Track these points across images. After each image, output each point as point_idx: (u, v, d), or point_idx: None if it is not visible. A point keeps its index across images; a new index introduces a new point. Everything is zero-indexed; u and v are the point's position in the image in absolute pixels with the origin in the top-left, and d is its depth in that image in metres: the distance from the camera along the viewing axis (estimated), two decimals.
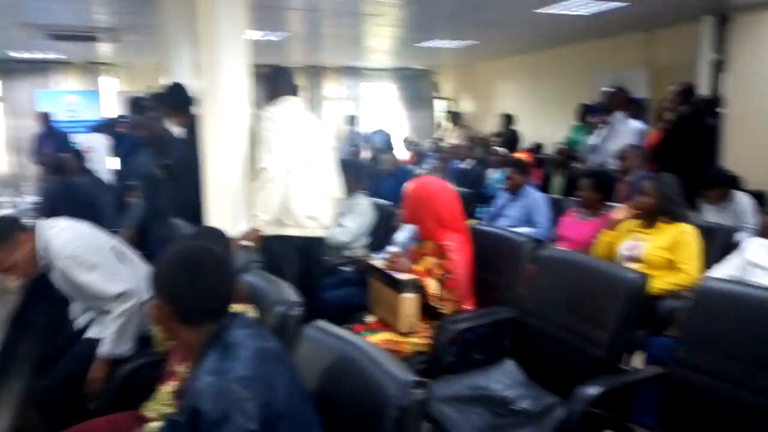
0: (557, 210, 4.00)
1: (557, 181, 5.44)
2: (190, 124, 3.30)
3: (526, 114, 8.74)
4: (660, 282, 2.77)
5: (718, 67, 4.87)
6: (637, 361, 2.50)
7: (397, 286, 2.50)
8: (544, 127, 7.85)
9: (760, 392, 1.62)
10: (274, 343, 1.30)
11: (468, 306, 2.64)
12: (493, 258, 2.72)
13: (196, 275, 1.25)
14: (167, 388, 1.81)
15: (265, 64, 3.82)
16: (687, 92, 4.94)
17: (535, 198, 4.03)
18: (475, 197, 5.68)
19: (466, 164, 6.62)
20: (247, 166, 3.04)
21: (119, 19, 5.58)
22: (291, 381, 1.23)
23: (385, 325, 2.60)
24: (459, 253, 2.60)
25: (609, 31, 6.70)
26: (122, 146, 5.20)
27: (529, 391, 2.21)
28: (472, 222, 4.79)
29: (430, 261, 2.64)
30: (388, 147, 8.36)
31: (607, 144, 4.71)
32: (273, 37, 6.78)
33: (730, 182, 4.04)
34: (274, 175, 2.82)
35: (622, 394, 2.01)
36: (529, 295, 2.42)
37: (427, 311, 2.56)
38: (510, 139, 7.92)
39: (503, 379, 2.29)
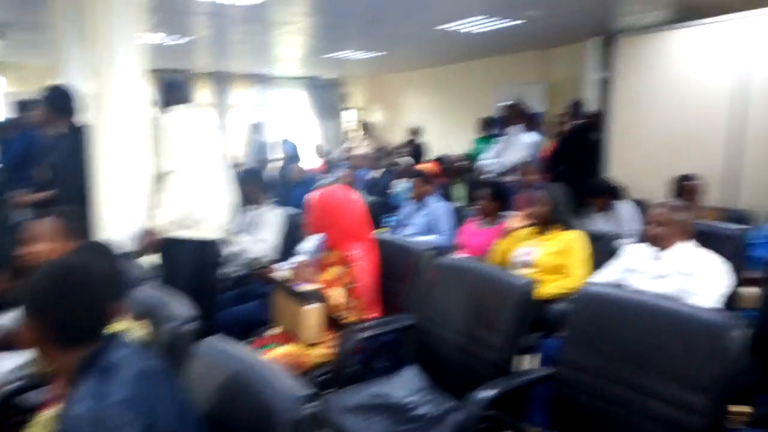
0: (460, 219, 4.13)
1: (459, 191, 5.62)
2: (72, 127, 3.17)
3: (433, 125, 8.99)
4: (551, 286, 2.94)
5: (605, 84, 5.26)
6: (535, 362, 2.64)
7: (300, 297, 2.49)
8: (450, 138, 8.11)
9: (636, 388, 1.75)
10: (156, 362, 1.24)
11: (373, 314, 2.67)
12: (396, 266, 2.76)
13: (68, 294, 1.17)
14: (47, 413, 1.68)
15: (169, 68, 3.68)
16: (576, 107, 5.31)
17: (438, 207, 4.14)
18: (383, 206, 5.77)
19: (375, 174, 6.69)
20: (141, 171, 2.95)
21: (5, 15, 5.17)
22: (176, 402, 1.19)
23: (290, 337, 2.57)
24: (364, 262, 2.62)
25: (508, 48, 7.05)
26: (9, 151, 4.81)
27: (431, 396, 2.27)
28: (379, 231, 4.89)
29: (335, 270, 2.64)
30: (297, 156, 8.29)
31: (504, 156, 4.93)
32: (176, 41, 6.55)
33: (614, 192, 4.38)
34: (180, 177, 2.82)
35: (516, 395, 2.10)
36: (430, 302, 2.48)
37: (333, 321, 2.57)
38: (416, 149, 8.11)
39: (406, 386, 2.34)
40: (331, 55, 7.73)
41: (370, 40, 6.72)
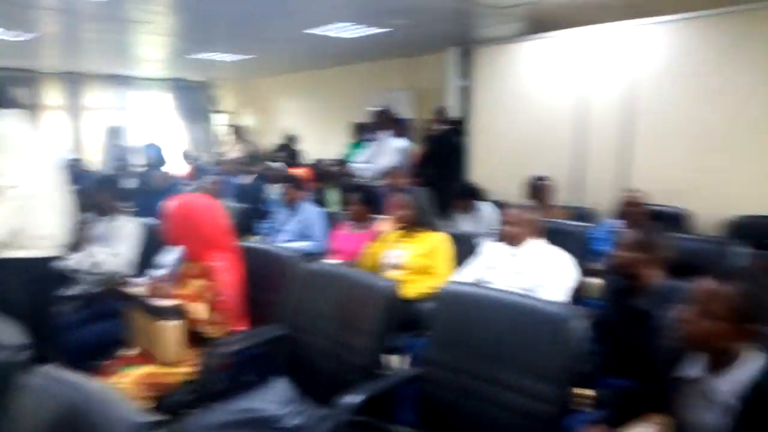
0: (333, 223, 4.13)
1: (333, 196, 5.63)
2: None
3: (307, 129, 8.95)
4: (420, 286, 3.02)
5: (466, 91, 5.53)
6: (406, 362, 2.69)
7: (158, 313, 2.34)
8: (325, 142, 8.12)
9: (492, 382, 1.84)
10: None
11: (241, 327, 2.58)
12: (264, 275, 2.69)
13: None
14: None
15: (9, 67, 3.29)
16: (440, 114, 5.53)
17: (311, 213, 4.11)
18: (256, 213, 5.62)
19: (245, 179, 6.51)
20: None
21: None
22: None
23: (148, 357, 2.40)
24: (228, 273, 2.52)
25: (377, 54, 7.19)
26: None
27: (301, 406, 2.23)
28: (252, 238, 4.75)
29: (197, 283, 2.51)
30: (162, 161, 7.84)
31: (375, 160, 5.02)
32: (17, 37, 5.91)
33: (476, 194, 4.62)
34: (20, 191, 2.50)
35: (385, 397, 2.12)
36: (299, 310, 2.44)
37: (196, 337, 2.44)
38: (291, 154, 8.02)
39: (275, 398, 2.28)
40: (196, 56, 7.41)
41: (236, 42, 6.53)
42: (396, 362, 2.94)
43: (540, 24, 5.00)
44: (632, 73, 4.32)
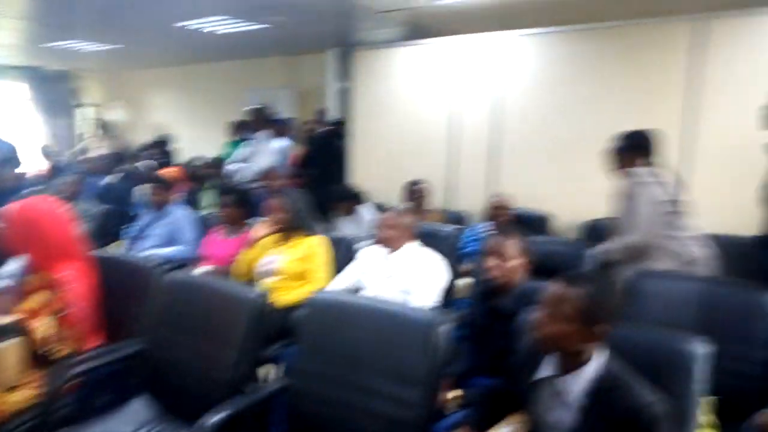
0: (207, 227, 3.92)
1: (208, 198, 5.38)
2: None
3: (182, 126, 8.51)
4: (297, 293, 2.94)
5: (346, 93, 5.53)
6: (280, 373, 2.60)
7: None
8: (201, 141, 7.75)
9: (361, 390, 1.83)
10: None
11: (94, 343, 2.36)
12: (122, 286, 2.49)
13: None
14: None
15: None
16: (321, 115, 5.49)
17: (180, 216, 3.88)
18: (122, 216, 5.22)
19: (111, 179, 6.03)
20: None
21: None
22: None
23: None
24: (77, 284, 2.29)
25: (257, 51, 6.99)
26: None
27: (161, 426, 2.09)
28: (117, 243, 4.40)
29: (41, 297, 2.26)
30: (12, 158, 7.04)
31: (252, 161, 4.86)
32: None
33: (357, 197, 4.63)
34: None
35: (254, 411, 2.03)
36: (161, 323, 2.27)
37: (41, 357, 2.19)
38: (163, 153, 7.57)
39: (133, 419, 2.13)
40: (54, 44, 6.75)
41: (101, 31, 6.02)
42: (270, 373, 2.87)
43: (419, 30, 5.11)
44: (501, 82, 4.54)
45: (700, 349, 1.61)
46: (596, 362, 1.47)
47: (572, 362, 1.48)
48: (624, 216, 2.85)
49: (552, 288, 1.49)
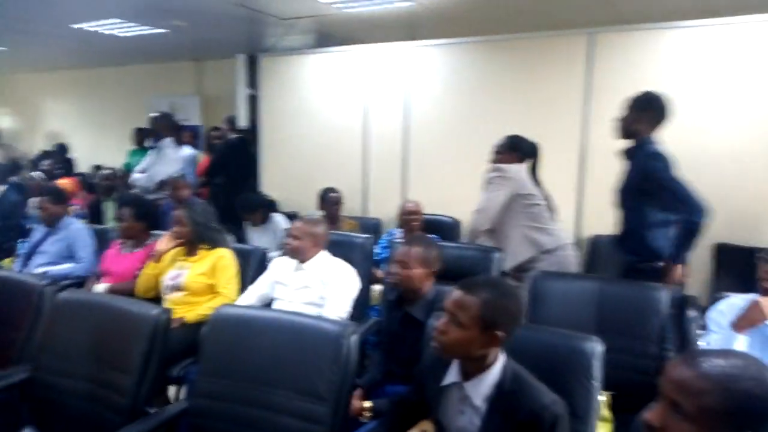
0: (106, 242, 3.69)
1: (110, 210, 5.08)
2: None
3: (83, 135, 8.00)
4: (204, 308, 2.83)
5: (254, 100, 5.40)
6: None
7: None
8: (103, 149, 7.31)
9: (267, 407, 1.77)
10: None
11: None
12: (9, 307, 2.30)
13: None
14: None
15: None
16: (231, 122, 5.33)
17: (75, 230, 3.62)
18: (15, 230, 4.83)
19: (1, 190, 5.56)
20: None
21: None
22: None
23: None
24: None
25: (161, 56, 6.70)
26: None
27: None
28: (9, 260, 4.04)
29: None
30: None
31: (155, 170, 4.64)
32: None
33: (269, 206, 4.52)
34: None
35: None
36: (49, 348, 2.10)
37: None
38: (61, 162, 7.08)
39: None
40: None
41: None
42: (176, 394, 2.73)
43: (327, 38, 5.09)
44: (409, 90, 4.60)
45: (596, 347, 1.68)
46: (498, 366, 1.50)
47: (475, 367, 1.50)
48: (481, 204, 3.12)
49: (451, 294, 1.51)
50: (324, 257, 2.78)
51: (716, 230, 3.63)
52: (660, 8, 4.04)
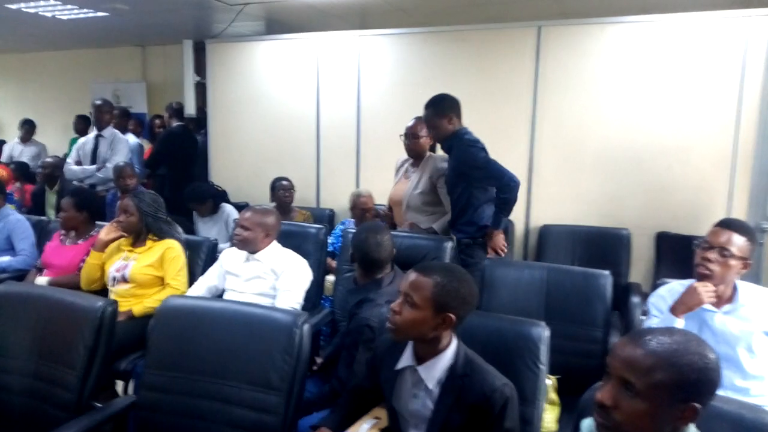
0: (46, 233, 3.54)
1: (51, 199, 4.87)
2: None
3: (18, 120, 7.59)
4: (150, 300, 2.76)
5: (201, 87, 5.26)
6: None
7: None
8: (41, 137, 6.96)
9: (219, 399, 1.74)
10: None
11: None
12: None
13: None
14: None
15: None
16: (178, 111, 5.17)
17: (12, 221, 3.46)
18: None
19: None
20: None
21: None
22: None
23: None
24: None
25: (105, 41, 6.43)
26: None
27: None
28: None
29: None
30: None
31: (103, 154, 4.46)
32: None
33: (220, 196, 4.43)
34: None
35: (105, 430, 1.86)
36: None
37: None
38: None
39: None
40: None
41: None
42: (124, 388, 2.66)
43: (278, 25, 5.01)
44: (361, 80, 4.57)
45: (543, 332, 1.73)
46: (451, 350, 1.52)
47: (429, 351, 1.52)
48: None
49: (407, 276, 1.52)
50: (275, 248, 2.75)
51: (658, 220, 3.82)
52: (605, 4, 4.17)
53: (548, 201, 4.10)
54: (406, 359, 1.56)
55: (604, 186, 3.95)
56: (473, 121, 4.24)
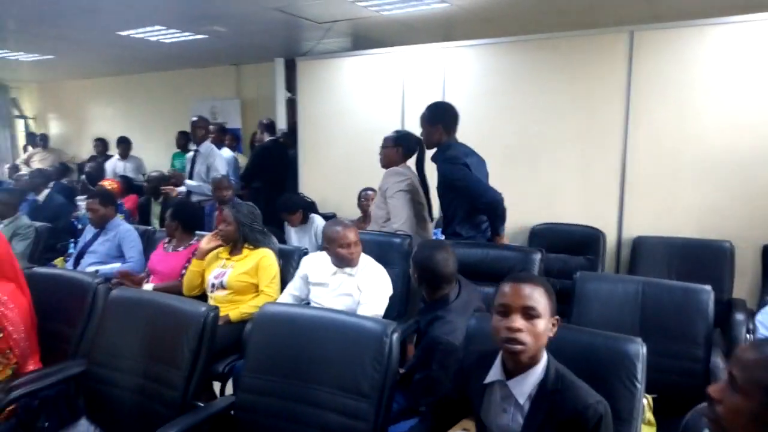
0: (152, 242, 3.80)
1: (155, 211, 5.25)
2: None
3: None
4: (246, 306, 2.90)
5: (292, 103, 5.49)
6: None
7: None
8: (146, 152, 7.52)
9: (311, 403, 1.81)
10: None
11: (31, 366, 2.26)
12: (61, 305, 2.40)
13: None
14: None
15: None
16: (269, 126, 5.42)
17: (124, 231, 3.74)
18: (65, 231, 5.02)
19: (51, 193, 5.79)
20: None
21: None
22: None
23: None
24: (11, 305, 2.18)
25: (203, 60, 6.86)
26: None
27: None
28: (59, 260, 4.21)
29: None
30: None
31: (197, 172, 4.75)
32: None
33: (309, 207, 4.60)
34: None
35: (205, 428, 1.98)
36: (101, 343, 2.19)
37: None
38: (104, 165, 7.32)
39: None
40: None
41: (34, 42, 5.76)
42: (221, 389, 2.80)
43: (364, 40, 5.14)
44: (446, 91, 4.59)
45: (639, 348, 1.67)
46: (542, 365, 1.50)
47: (520, 365, 1.50)
48: (396, 218, 3.38)
49: (510, 290, 1.50)
50: (364, 260, 2.79)
51: (764, 231, 3.55)
52: (701, 4, 3.95)
53: (642, 211, 3.93)
54: (495, 373, 1.55)
55: (704, 196, 3.73)
56: (562, 129, 4.18)
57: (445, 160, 3.12)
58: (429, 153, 3.37)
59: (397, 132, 3.54)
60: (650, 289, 2.40)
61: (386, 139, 3.46)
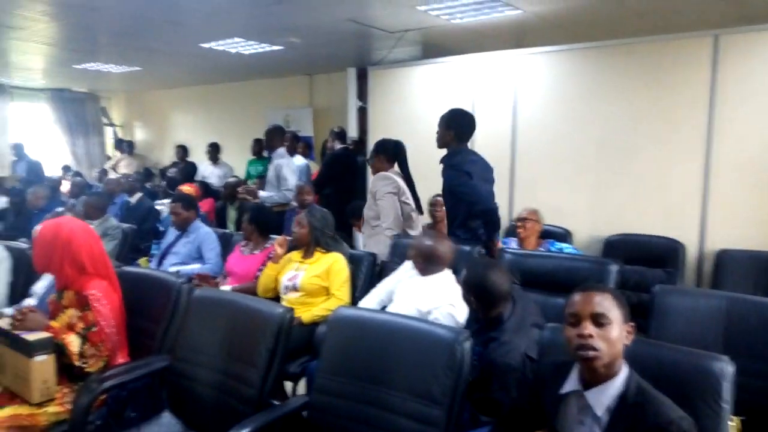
0: (229, 245, 3.97)
1: (231, 215, 5.47)
2: None
3: (204, 146, 8.64)
4: (318, 308, 2.97)
5: (363, 111, 5.59)
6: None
7: (25, 348, 2.13)
8: (225, 158, 7.84)
9: (383, 407, 1.83)
10: None
11: (120, 359, 2.40)
12: (145, 303, 2.54)
13: None
14: None
15: None
16: (340, 134, 5.53)
17: (202, 234, 3.92)
18: (149, 233, 5.31)
19: (134, 197, 6.14)
20: None
21: None
22: None
23: (14, 396, 2.18)
24: (105, 301, 2.34)
25: (277, 71, 7.10)
26: None
27: None
28: (143, 261, 4.47)
29: (69, 314, 2.32)
30: (38, 178, 7.23)
31: (271, 178, 4.91)
32: None
33: None
34: None
35: (278, 426, 2.04)
36: (184, 339, 2.31)
37: (70, 373, 2.24)
38: (186, 170, 7.69)
39: None
40: (79, 66, 6.93)
41: (124, 54, 6.17)
42: (293, 389, 2.88)
43: (434, 49, 5.17)
44: (518, 98, 4.55)
45: (726, 367, 1.59)
46: (622, 377, 1.46)
47: (598, 376, 1.47)
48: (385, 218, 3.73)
49: (581, 299, 1.49)
50: (445, 274, 2.72)
51: None
52: None
53: (727, 223, 3.73)
54: (571, 383, 1.52)
55: None
56: (639, 137, 4.03)
57: (449, 167, 3.34)
58: (428, 153, 3.61)
59: (375, 143, 3.93)
60: (736, 305, 2.27)
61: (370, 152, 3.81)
